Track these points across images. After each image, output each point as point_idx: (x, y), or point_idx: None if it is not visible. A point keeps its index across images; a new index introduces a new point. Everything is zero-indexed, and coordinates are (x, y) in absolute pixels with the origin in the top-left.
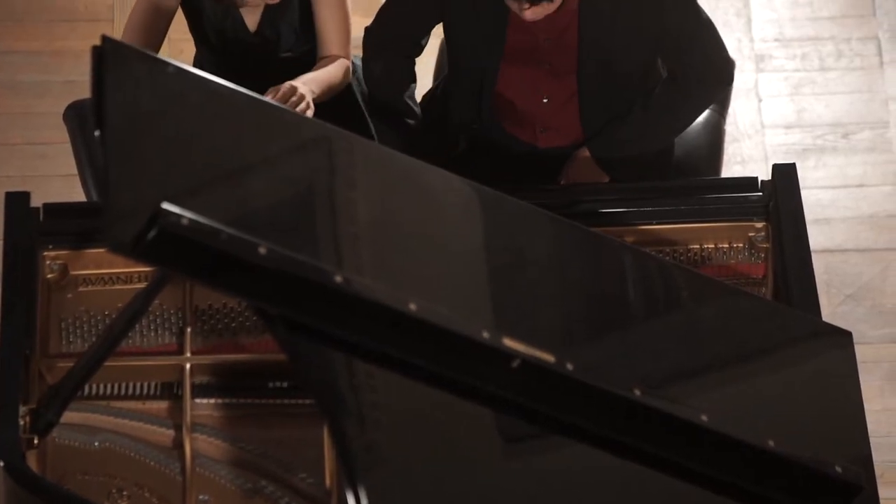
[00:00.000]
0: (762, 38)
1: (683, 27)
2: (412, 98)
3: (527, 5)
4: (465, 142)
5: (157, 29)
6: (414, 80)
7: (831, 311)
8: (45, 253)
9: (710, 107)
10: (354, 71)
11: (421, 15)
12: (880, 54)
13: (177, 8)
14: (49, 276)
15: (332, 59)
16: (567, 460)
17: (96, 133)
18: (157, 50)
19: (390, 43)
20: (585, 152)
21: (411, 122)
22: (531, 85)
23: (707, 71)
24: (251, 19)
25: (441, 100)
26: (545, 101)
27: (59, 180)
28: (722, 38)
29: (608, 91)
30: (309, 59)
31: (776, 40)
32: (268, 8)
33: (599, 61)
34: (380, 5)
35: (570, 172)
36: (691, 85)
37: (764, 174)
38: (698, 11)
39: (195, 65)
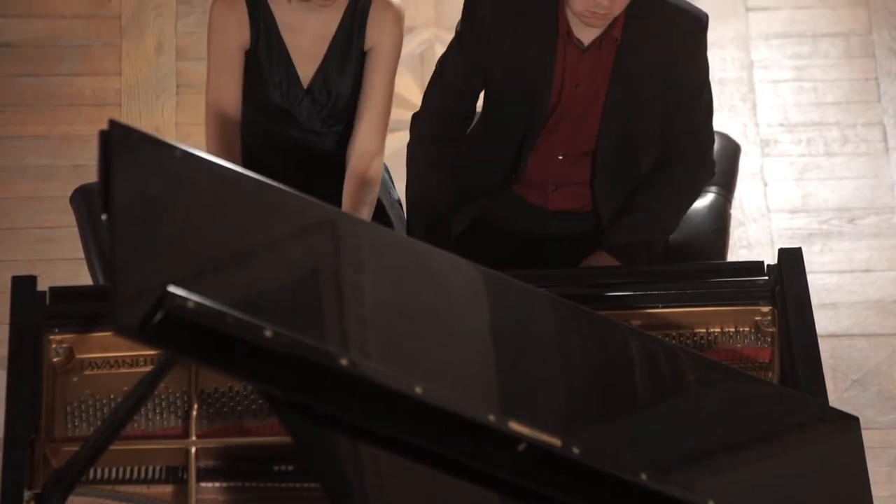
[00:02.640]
0: (767, 123)
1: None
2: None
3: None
4: (459, 224)
5: (232, 136)
6: (456, 175)
7: (838, 397)
8: (51, 336)
9: (716, 191)
10: None
11: (465, 75)
12: (885, 140)
13: (240, 100)
14: (55, 359)
15: (369, 162)
16: None
17: (103, 217)
18: (237, 158)
19: (436, 124)
20: (602, 254)
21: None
22: (551, 138)
23: (693, 150)
24: (305, 70)
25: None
26: (560, 157)
27: (65, 264)
28: (714, 129)
29: (622, 152)
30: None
31: (781, 125)
32: (324, 62)
33: (622, 116)
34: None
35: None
36: (675, 169)
37: (770, 258)
38: (707, 85)
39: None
